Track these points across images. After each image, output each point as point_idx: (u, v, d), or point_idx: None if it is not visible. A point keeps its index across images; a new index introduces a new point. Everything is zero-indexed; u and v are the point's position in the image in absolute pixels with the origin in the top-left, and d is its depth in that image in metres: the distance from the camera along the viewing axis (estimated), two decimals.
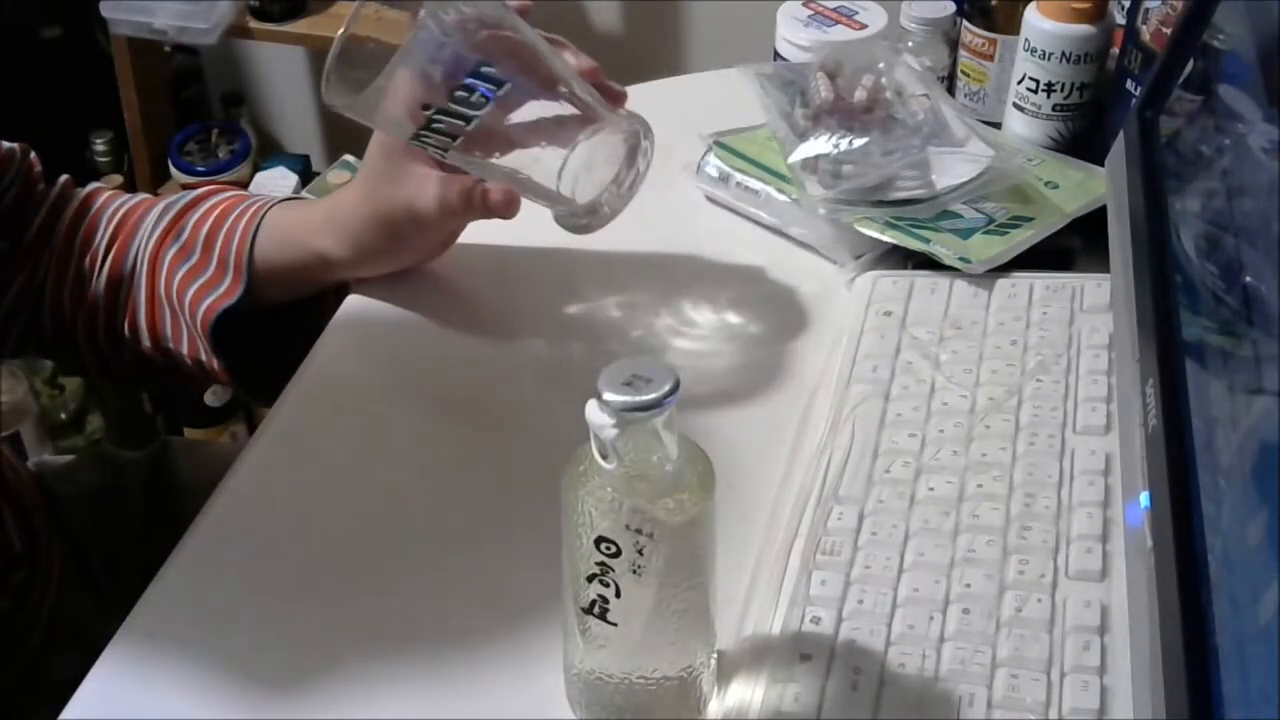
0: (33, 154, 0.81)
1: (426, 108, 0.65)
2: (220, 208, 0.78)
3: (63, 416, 1.83)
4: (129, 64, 1.87)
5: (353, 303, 0.79)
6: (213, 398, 1.76)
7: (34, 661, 0.77)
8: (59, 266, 0.79)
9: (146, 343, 0.79)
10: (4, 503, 0.77)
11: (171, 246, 0.78)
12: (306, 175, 1.98)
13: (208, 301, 0.76)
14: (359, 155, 2.16)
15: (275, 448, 0.71)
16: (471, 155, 0.68)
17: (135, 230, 0.79)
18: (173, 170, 1.96)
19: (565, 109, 0.68)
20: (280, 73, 2.16)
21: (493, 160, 0.69)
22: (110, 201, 0.82)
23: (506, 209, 0.70)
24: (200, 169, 1.96)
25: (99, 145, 1.97)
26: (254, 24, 1.80)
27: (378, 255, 0.75)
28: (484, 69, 0.65)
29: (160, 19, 1.77)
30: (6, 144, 0.79)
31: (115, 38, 1.83)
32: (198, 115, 2.10)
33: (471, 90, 0.65)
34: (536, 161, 0.69)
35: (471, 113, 0.65)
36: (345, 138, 2.14)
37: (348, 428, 0.72)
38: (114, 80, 1.89)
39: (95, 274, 0.79)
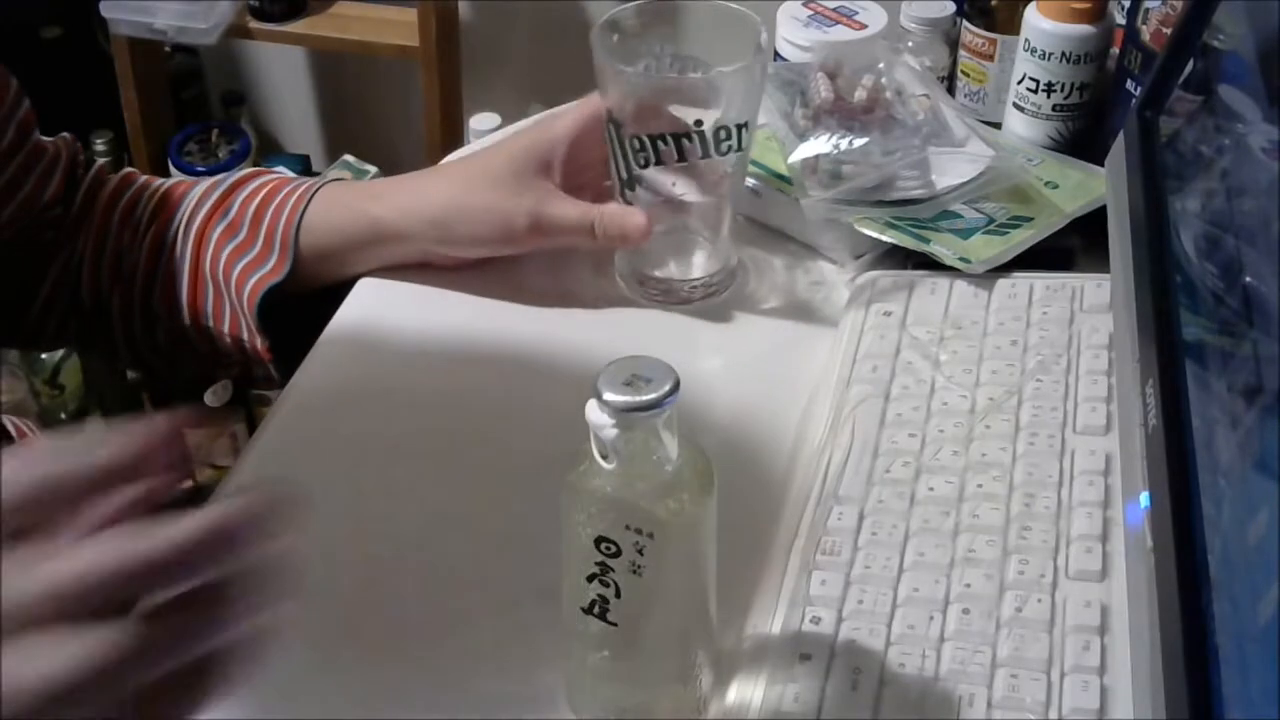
0: (78, 143, 0.82)
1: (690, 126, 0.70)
2: (269, 186, 0.79)
3: (63, 416, 1.83)
4: (129, 64, 1.87)
5: (347, 312, 0.79)
6: (213, 398, 1.76)
7: None
8: (97, 241, 0.79)
9: (185, 319, 0.79)
10: None
11: (219, 223, 0.78)
12: (306, 175, 1.98)
13: (254, 278, 0.76)
14: (359, 155, 2.17)
15: (277, 444, 0.71)
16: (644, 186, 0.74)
17: (177, 207, 0.79)
18: (173, 170, 1.96)
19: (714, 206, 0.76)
20: (280, 73, 2.16)
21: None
22: (150, 181, 0.82)
23: (637, 236, 0.74)
24: (200, 169, 1.96)
25: (99, 145, 1.98)
26: (254, 24, 1.81)
27: (435, 242, 0.77)
28: (741, 128, 0.71)
29: (160, 19, 1.77)
30: (51, 138, 0.80)
31: (115, 38, 1.83)
32: (198, 115, 2.10)
33: (721, 142, 0.71)
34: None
35: (701, 157, 0.71)
36: (345, 138, 2.14)
37: (348, 425, 0.72)
38: (114, 80, 1.89)
39: (134, 249, 0.79)
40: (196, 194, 0.80)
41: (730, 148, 0.71)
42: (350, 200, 0.78)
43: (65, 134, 0.81)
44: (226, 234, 0.78)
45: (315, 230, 0.76)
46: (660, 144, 0.71)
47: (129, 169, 0.84)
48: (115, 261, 0.79)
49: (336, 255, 0.77)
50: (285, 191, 0.78)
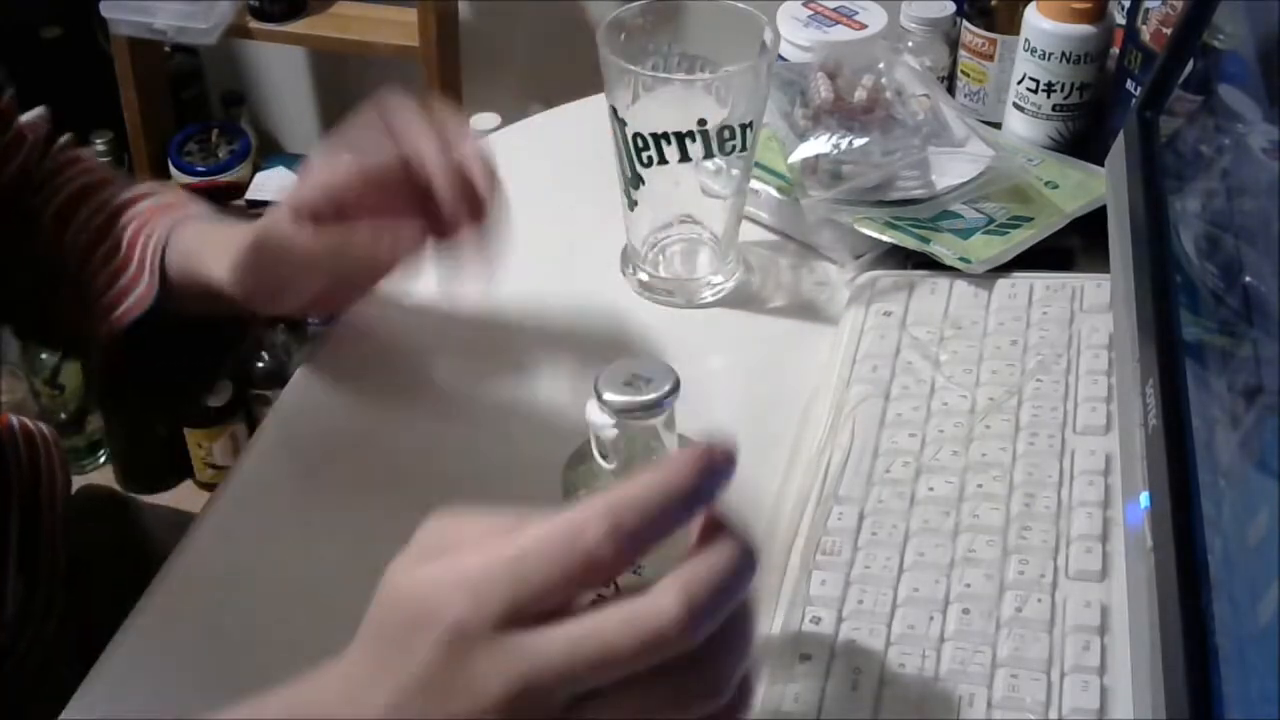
0: (47, 124, 0.80)
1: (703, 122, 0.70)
2: (144, 215, 0.76)
3: (63, 416, 1.83)
4: (129, 64, 1.87)
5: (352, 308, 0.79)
6: (213, 398, 1.76)
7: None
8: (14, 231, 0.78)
9: (72, 334, 0.78)
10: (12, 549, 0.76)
11: (100, 248, 0.75)
12: None
13: (124, 306, 0.73)
14: None
15: (278, 443, 0.71)
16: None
17: (70, 221, 0.77)
18: (173, 170, 1.96)
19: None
20: (280, 73, 2.16)
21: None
22: (60, 188, 0.79)
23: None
24: (200, 169, 1.96)
25: (99, 145, 1.97)
26: (254, 24, 1.81)
27: (262, 293, 0.70)
28: (746, 128, 0.71)
29: (160, 19, 1.77)
30: (28, 122, 0.79)
31: (115, 38, 1.83)
32: (198, 115, 2.10)
33: (725, 142, 0.71)
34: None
35: (705, 157, 0.72)
36: None
37: (349, 422, 0.72)
38: (114, 80, 1.89)
39: (40, 248, 0.77)
40: (84, 215, 0.77)
41: (734, 148, 0.71)
42: (196, 250, 0.73)
43: (32, 115, 0.80)
44: (103, 259, 0.75)
45: (175, 268, 0.73)
46: (664, 143, 0.71)
47: (74, 153, 0.81)
48: (25, 256, 0.77)
49: (197, 296, 0.73)
50: (155, 223, 0.75)
